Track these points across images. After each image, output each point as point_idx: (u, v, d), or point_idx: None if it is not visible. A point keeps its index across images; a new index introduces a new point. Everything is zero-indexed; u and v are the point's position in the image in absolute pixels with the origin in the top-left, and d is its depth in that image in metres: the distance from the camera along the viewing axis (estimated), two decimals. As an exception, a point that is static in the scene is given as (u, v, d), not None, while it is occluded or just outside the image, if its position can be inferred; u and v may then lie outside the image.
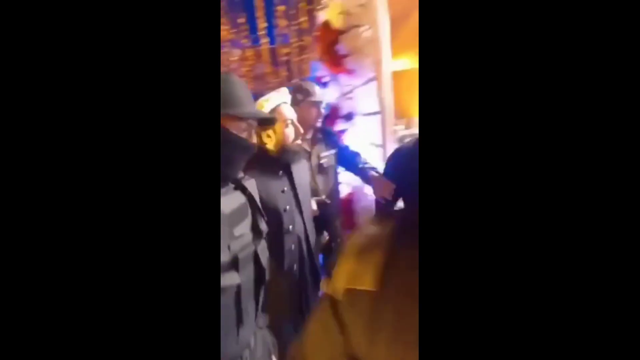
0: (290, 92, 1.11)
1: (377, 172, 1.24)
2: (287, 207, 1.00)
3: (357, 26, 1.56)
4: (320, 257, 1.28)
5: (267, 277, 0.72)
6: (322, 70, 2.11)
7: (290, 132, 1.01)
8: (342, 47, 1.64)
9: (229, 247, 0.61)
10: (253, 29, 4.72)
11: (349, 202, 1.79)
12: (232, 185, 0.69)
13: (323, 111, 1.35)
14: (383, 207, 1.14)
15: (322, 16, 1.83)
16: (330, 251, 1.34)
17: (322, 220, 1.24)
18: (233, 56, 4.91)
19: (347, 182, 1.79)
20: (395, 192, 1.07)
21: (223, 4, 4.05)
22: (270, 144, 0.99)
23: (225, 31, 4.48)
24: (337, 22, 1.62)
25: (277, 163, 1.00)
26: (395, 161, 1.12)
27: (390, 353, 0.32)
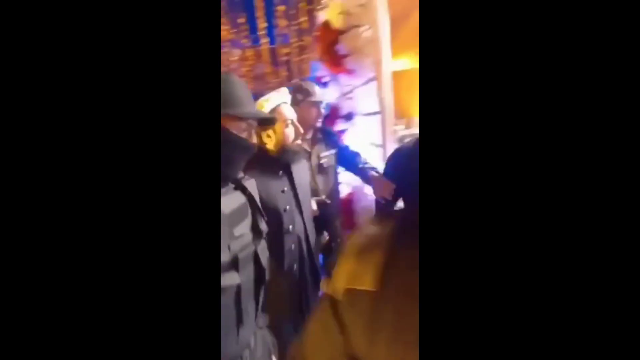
0: (290, 92, 1.11)
1: (377, 172, 1.24)
2: (287, 207, 1.00)
3: (357, 26, 1.56)
4: (320, 257, 1.28)
5: (267, 277, 0.72)
6: (322, 70, 2.11)
7: (290, 132, 1.01)
8: (342, 47, 1.64)
9: (229, 247, 0.61)
10: (253, 29, 4.72)
11: (348, 202, 1.79)
12: (232, 185, 0.69)
13: (323, 111, 1.35)
14: (383, 207, 1.14)
15: (322, 16, 1.83)
16: (330, 251, 1.33)
17: (322, 220, 1.24)
18: (233, 56, 4.91)
19: (347, 182, 1.79)
20: (395, 192, 1.07)
21: (223, 4, 4.04)
22: (270, 144, 0.99)
23: (225, 31, 4.48)
24: (337, 22, 1.62)
25: (277, 163, 1.00)
26: (395, 161, 1.12)
27: (390, 353, 0.32)
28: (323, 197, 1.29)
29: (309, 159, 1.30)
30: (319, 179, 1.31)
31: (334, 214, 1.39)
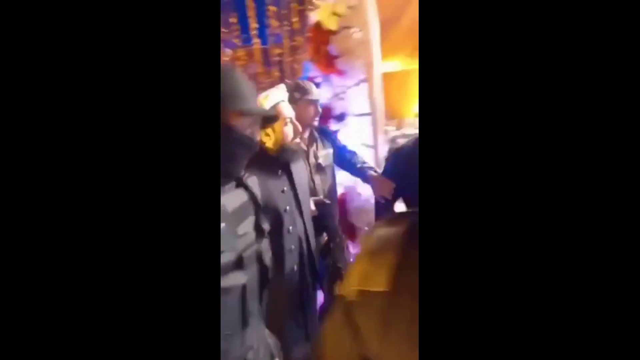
0: (287, 91, 1.10)
1: (375, 171, 1.23)
2: (287, 207, 0.98)
3: (348, 27, 1.57)
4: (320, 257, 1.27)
5: (270, 276, 0.71)
6: (314, 71, 2.12)
7: (289, 131, 0.99)
8: (333, 48, 1.65)
9: (233, 246, 0.60)
10: (245, 28, 4.70)
11: (341, 202, 1.80)
12: (234, 183, 0.68)
13: (320, 110, 1.34)
14: (383, 207, 1.14)
15: (313, 17, 1.84)
16: (329, 251, 1.32)
17: (320, 221, 1.23)
18: (225, 55, 4.87)
19: (340, 182, 1.80)
20: (394, 191, 1.08)
21: (215, 3, 3.99)
22: (269, 143, 0.97)
23: (217, 30, 4.43)
24: (328, 23, 1.63)
25: (276, 162, 0.98)
26: (395, 161, 1.13)
27: (402, 353, 0.32)
28: (321, 197, 1.28)
29: (307, 158, 1.29)
30: (317, 179, 1.30)
31: (333, 214, 1.37)
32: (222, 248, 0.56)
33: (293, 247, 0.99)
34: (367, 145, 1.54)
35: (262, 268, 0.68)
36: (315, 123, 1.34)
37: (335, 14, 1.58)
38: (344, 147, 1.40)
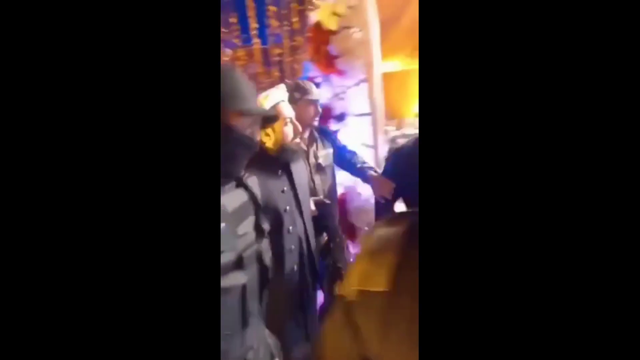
0: (287, 91, 1.10)
1: (375, 171, 1.23)
2: (288, 207, 0.98)
3: (348, 27, 1.58)
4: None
5: (270, 276, 0.71)
6: (314, 71, 2.12)
7: (289, 131, 0.99)
8: (333, 48, 1.65)
9: (233, 246, 0.60)
10: (245, 28, 4.70)
11: (341, 202, 1.80)
12: (234, 183, 0.68)
13: (320, 110, 1.34)
14: (383, 207, 1.14)
15: (313, 17, 1.84)
16: (329, 252, 1.32)
17: (320, 221, 1.22)
18: (225, 55, 4.87)
19: (340, 182, 1.80)
20: (394, 191, 1.08)
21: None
22: (269, 143, 0.97)
23: (217, 30, 4.43)
24: (328, 23, 1.64)
25: (276, 162, 0.98)
26: (395, 161, 1.12)
27: (401, 354, 0.32)
28: (321, 197, 1.28)
29: (307, 158, 1.29)
30: (317, 179, 1.30)
31: (333, 214, 1.37)
32: (222, 248, 0.56)
33: (293, 247, 0.99)
34: (367, 145, 1.54)
35: (262, 268, 0.68)
36: (315, 123, 1.34)
37: (335, 14, 1.58)
38: (344, 147, 1.40)
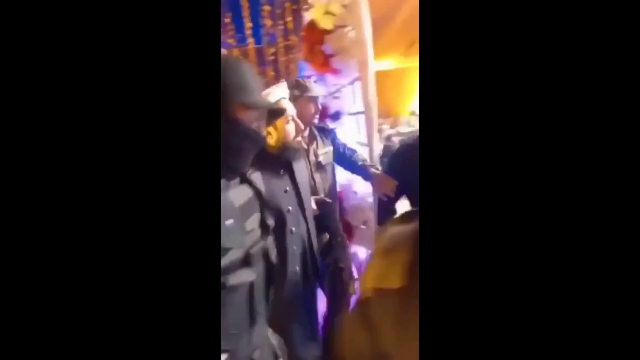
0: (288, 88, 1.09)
1: (377, 169, 1.23)
2: (290, 207, 0.97)
3: (342, 26, 1.58)
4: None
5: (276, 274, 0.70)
6: (309, 70, 2.12)
7: (291, 129, 0.98)
8: (327, 47, 1.65)
9: (241, 243, 0.59)
10: (239, 28, 4.67)
11: (337, 200, 1.80)
12: (238, 179, 0.67)
13: (320, 107, 1.33)
14: (385, 204, 1.14)
15: (307, 16, 1.84)
16: (330, 251, 1.32)
17: (321, 220, 1.22)
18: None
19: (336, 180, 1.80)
20: (397, 189, 1.08)
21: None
22: (271, 141, 0.96)
23: (211, 30, 4.40)
24: (322, 22, 1.63)
25: (278, 161, 0.97)
26: (398, 158, 1.13)
27: (417, 349, 0.32)
28: (322, 195, 1.27)
29: (307, 156, 1.28)
30: (317, 177, 1.29)
31: (334, 213, 1.36)
32: (230, 245, 0.55)
33: (295, 247, 0.98)
34: (362, 144, 1.55)
35: (269, 265, 0.67)
36: (316, 120, 1.33)
37: (329, 13, 1.58)
38: (344, 145, 1.39)
